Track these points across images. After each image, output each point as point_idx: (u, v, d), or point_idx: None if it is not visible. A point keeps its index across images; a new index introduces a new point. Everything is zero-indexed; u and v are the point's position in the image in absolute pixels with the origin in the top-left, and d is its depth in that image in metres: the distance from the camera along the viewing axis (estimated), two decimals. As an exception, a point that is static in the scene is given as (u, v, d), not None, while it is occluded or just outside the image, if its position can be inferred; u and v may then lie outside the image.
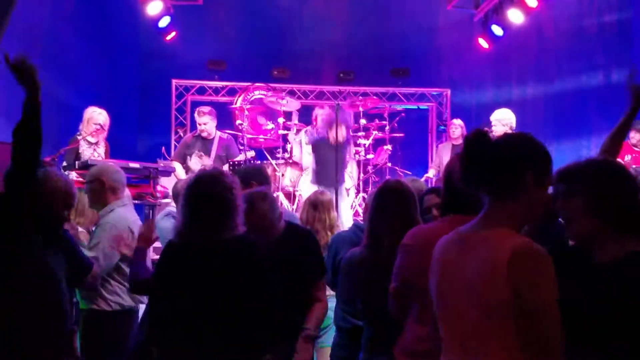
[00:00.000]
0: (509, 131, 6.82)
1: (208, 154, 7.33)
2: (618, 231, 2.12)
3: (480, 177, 2.04)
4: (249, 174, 4.15)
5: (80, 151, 6.28)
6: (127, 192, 4.26)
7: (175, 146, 10.36)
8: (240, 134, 8.38)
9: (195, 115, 7.59)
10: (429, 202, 3.48)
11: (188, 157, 7.34)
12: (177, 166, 7.23)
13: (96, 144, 6.40)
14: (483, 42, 10.01)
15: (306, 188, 7.47)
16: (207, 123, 7.42)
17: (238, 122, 8.69)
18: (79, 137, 6.33)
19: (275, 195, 7.74)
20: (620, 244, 2.11)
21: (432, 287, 2.15)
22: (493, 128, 6.92)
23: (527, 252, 1.89)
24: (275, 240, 3.32)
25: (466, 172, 2.07)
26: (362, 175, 8.49)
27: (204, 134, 7.43)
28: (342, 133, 7.08)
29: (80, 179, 5.39)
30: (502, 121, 6.92)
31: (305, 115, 9.02)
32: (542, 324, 1.88)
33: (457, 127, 8.56)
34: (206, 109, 7.59)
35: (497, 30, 9.62)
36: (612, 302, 2.03)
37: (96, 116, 6.35)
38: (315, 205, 4.57)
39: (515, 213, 2.01)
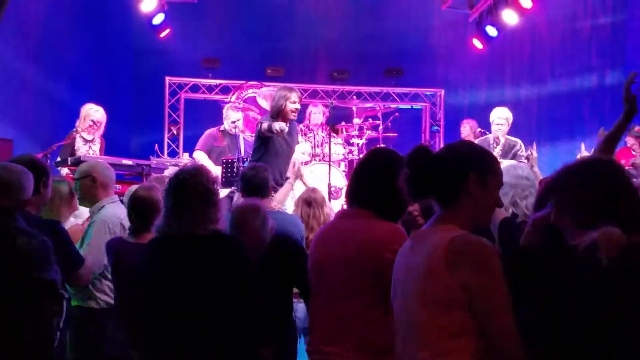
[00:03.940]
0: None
1: (237, 150, 7.28)
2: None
3: (425, 188, 2.14)
4: (254, 186, 4.18)
5: (75, 147, 6.28)
6: None
7: (169, 144, 10.35)
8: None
9: (229, 110, 7.49)
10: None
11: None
12: (202, 156, 7.17)
13: (92, 140, 6.41)
14: (477, 43, 10.03)
15: (298, 186, 7.45)
16: (240, 119, 7.42)
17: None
18: (74, 134, 6.32)
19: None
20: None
21: (392, 287, 2.25)
22: (502, 128, 6.71)
23: (462, 244, 1.98)
24: (262, 257, 3.28)
25: (412, 186, 2.16)
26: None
27: (235, 130, 7.39)
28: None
29: (73, 175, 5.39)
30: (509, 120, 6.73)
31: (299, 114, 8.98)
32: (491, 318, 1.96)
33: (465, 125, 8.59)
34: (240, 104, 7.61)
35: (491, 31, 9.64)
36: (597, 300, 2.04)
37: (93, 113, 6.35)
38: (309, 202, 4.63)
39: (462, 215, 2.11)
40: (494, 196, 2.17)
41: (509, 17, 9.16)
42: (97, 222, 3.90)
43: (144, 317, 2.85)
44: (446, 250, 1.97)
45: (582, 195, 2.13)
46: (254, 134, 8.68)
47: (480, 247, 1.99)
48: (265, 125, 5.91)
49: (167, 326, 2.77)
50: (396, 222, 2.61)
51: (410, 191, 2.17)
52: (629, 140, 7.31)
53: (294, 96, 6.07)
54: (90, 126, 6.31)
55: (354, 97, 9.73)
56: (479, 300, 1.95)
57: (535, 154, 5.50)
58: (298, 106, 6.11)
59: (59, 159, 6.17)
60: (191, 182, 2.83)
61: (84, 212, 4.38)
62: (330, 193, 7.11)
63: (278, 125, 5.83)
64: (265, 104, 8.25)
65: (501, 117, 6.75)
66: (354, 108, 8.66)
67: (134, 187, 4.00)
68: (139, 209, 3.55)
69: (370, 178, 2.67)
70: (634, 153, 7.30)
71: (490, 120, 6.84)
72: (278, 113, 6.02)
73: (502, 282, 1.97)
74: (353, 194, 2.72)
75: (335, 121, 8.78)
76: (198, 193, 2.82)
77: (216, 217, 2.85)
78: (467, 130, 8.57)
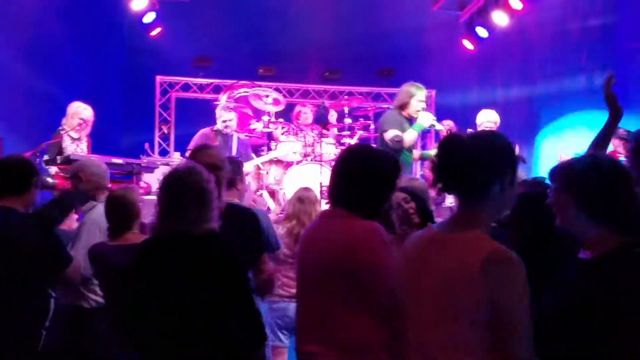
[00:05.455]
0: None
1: (229, 150, 7.27)
2: (609, 228, 2.13)
3: (455, 181, 2.09)
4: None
5: (63, 146, 6.25)
6: None
7: (160, 143, 10.33)
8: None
9: (221, 110, 7.49)
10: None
11: None
12: None
13: (79, 139, 6.38)
14: (468, 44, 10.05)
15: (290, 186, 7.46)
16: (232, 119, 7.41)
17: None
18: (61, 132, 6.29)
19: (259, 193, 7.76)
20: (607, 241, 2.13)
21: (400, 283, 2.20)
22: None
23: (500, 259, 1.94)
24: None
25: (443, 178, 2.11)
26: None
27: (227, 130, 7.38)
28: None
29: (62, 174, 5.38)
30: (497, 123, 6.64)
31: (286, 113, 8.99)
32: (512, 333, 1.92)
33: (445, 127, 8.56)
34: (232, 104, 7.60)
35: (481, 32, 9.67)
36: (585, 300, 2.05)
37: (81, 111, 6.32)
38: (302, 199, 4.80)
39: (485, 214, 2.08)
40: (512, 197, 2.14)
41: (499, 18, 9.19)
42: (88, 222, 3.89)
43: (138, 317, 2.83)
44: (483, 264, 1.92)
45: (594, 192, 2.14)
46: (247, 133, 8.69)
47: (517, 264, 1.95)
48: (394, 138, 6.06)
49: (163, 326, 2.76)
50: (374, 219, 2.60)
51: (438, 181, 2.11)
52: (614, 142, 7.32)
53: (421, 94, 6.28)
54: (79, 124, 6.29)
55: (346, 96, 9.72)
56: (504, 316, 1.91)
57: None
58: (424, 105, 6.35)
59: (47, 157, 6.14)
60: (187, 180, 2.82)
61: None
62: (321, 193, 7.12)
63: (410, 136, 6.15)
64: (261, 104, 8.25)
65: (490, 120, 6.67)
66: (345, 108, 8.66)
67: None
68: (116, 209, 3.55)
69: (345, 176, 2.67)
70: (619, 155, 7.33)
71: (478, 122, 6.75)
72: (403, 107, 6.25)
73: (528, 301, 1.94)
74: (331, 193, 2.72)
75: (326, 121, 8.80)
76: (193, 192, 2.80)
77: (210, 216, 2.84)
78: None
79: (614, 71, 3.12)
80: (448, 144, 2.11)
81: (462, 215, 2.09)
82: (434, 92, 10.84)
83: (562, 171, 2.25)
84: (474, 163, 2.05)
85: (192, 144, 7.36)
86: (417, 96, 6.24)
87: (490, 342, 1.93)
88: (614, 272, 2.05)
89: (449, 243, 2.05)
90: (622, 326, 1.97)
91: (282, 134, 8.25)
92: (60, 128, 6.36)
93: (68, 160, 5.42)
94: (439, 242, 2.09)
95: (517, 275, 1.93)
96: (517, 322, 1.92)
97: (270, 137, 8.49)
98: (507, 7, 8.99)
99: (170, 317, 2.74)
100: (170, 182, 2.86)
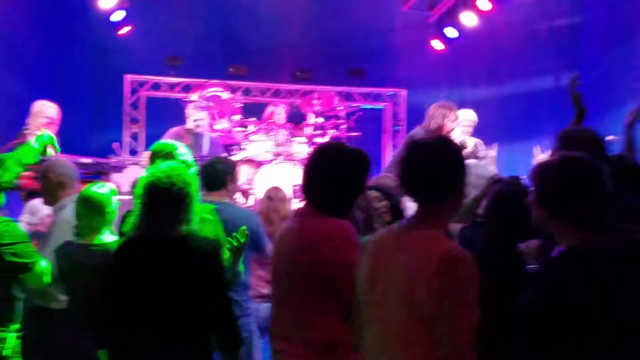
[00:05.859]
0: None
1: (200, 149, 7.21)
2: (573, 225, 2.16)
3: (420, 185, 2.14)
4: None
5: (27, 146, 6.13)
6: None
7: (129, 143, 10.22)
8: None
9: (192, 109, 7.41)
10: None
11: None
12: None
13: (45, 138, 6.26)
14: (437, 44, 10.14)
15: (262, 185, 7.46)
16: (203, 119, 7.32)
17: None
18: (26, 132, 6.17)
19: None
20: (569, 237, 2.17)
21: (361, 281, 2.23)
22: (469, 130, 6.57)
23: (452, 258, 1.99)
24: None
25: (406, 181, 2.18)
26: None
27: (199, 129, 7.31)
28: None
29: (26, 173, 5.30)
30: (475, 122, 6.62)
31: (258, 112, 8.98)
32: (456, 330, 1.96)
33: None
34: (203, 103, 7.53)
35: (450, 32, 9.75)
36: (547, 299, 2.09)
37: (45, 109, 6.18)
38: (271, 197, 4.94)
39: (445, 216, 2.15)
40: (463, 200, 2.22)
41: (468, 19, 9.28)
42: (59, 222, 3.85)
43: (117, 317, 2.81)
44: (437, 263, 1.96)
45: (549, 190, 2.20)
46: (220, 132, 8.64)
47: (470, 265, 1.99)
48: None
49: (138, 326, 2.74)
50: (342, 217, 2.61)
51: (403, 186, 2.18)
52: None
53: (454, 115, 6.08)
54: (47, 124, 6.17)
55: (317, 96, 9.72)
56: (452, 315, 1.95)
57: (492, 154, 5.55)
58: (456, 124, 6.13)
59: (12, 157, 6.02)
60: (166, 182, 2.81)
61: (40, 208, 4.34)
62: (294, 192, 7.13)
63: None
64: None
65: (468, 119, 6.62)
66: (316, 108, 8.68)
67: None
68: (87, 208, 3.52)
69: (314, 174, 2.69)
70: None
71: None
72: (438, 129, 5.99)
73: (477, 302, 1.98)
74: (303, 192, 2.74)
75: (299, 120, 8.81)
76: (172, 194, 2.79)
77: (188, 218, 2.83)
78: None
79: (579, 71, 3.19)
80: (415, 149, 2.17)
81: (422, 215, 2.14)
82: (405, 92, 10.91)
83: (534, 170, 2.30)
84: (450, 167, 2.13)
85: None
86: (450, 117, 6.09)
87: (445, 339, 1.96)
88: (571, 271, 2.08)
89: (409, 242, 2.10)
90: (585, 325, 2.02)
91: (254, 132, 8.22)
92: (24, 128, 6.23)
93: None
94: (400, 241, 2.14)
95: (469, 275, 1.98)
96: (464, 321, 1.96)
97: (240, 136, 8.46)
98: (475, 8, 9.08)
99: (151, 318, 2.72)
100: (150, 183, 2.84)
